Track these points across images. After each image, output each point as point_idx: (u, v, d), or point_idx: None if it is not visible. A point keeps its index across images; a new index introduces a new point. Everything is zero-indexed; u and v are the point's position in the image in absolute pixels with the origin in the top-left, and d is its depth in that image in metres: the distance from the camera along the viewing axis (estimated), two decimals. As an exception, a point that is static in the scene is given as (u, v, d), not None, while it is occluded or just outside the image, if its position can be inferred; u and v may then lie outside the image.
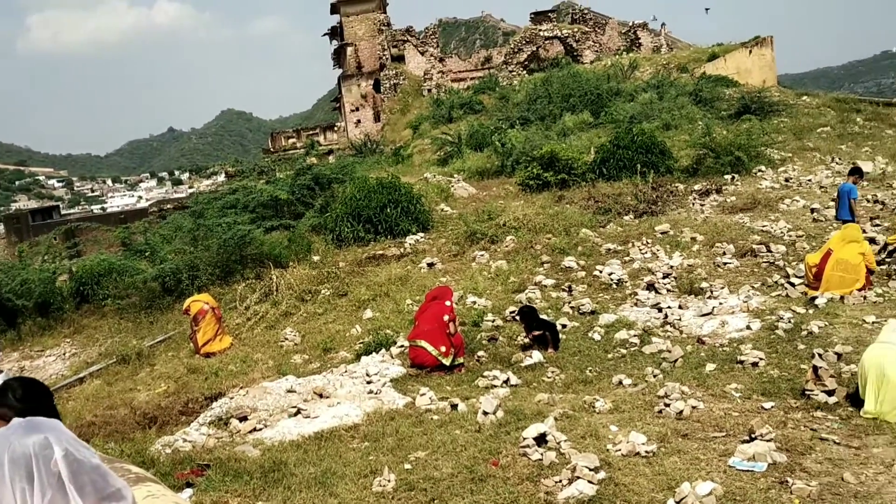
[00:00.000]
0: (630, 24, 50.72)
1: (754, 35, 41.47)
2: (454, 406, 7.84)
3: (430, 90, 46.74)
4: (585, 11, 53.38)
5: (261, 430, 7.91)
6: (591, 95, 31.25)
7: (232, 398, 8.95)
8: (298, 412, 8.20)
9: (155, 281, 15.96)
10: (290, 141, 57.29)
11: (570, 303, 11.74)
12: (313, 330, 12.67)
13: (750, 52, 39.89)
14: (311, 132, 59.11)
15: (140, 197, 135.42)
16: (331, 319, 13.01)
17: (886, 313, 9.37)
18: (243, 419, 8.17)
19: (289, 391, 8.95)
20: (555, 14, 59.10)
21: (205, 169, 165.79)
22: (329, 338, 12.00)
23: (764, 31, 41.82)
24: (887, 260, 11.52)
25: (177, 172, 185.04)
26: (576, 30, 48.65)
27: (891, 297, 10.18)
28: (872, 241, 12.20)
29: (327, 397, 8.71)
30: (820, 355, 7.81)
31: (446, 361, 9.59)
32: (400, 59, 51.74)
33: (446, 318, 9.65)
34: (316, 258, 15.83)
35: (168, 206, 37.41)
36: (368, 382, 9.11)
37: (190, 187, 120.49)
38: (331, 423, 7.81)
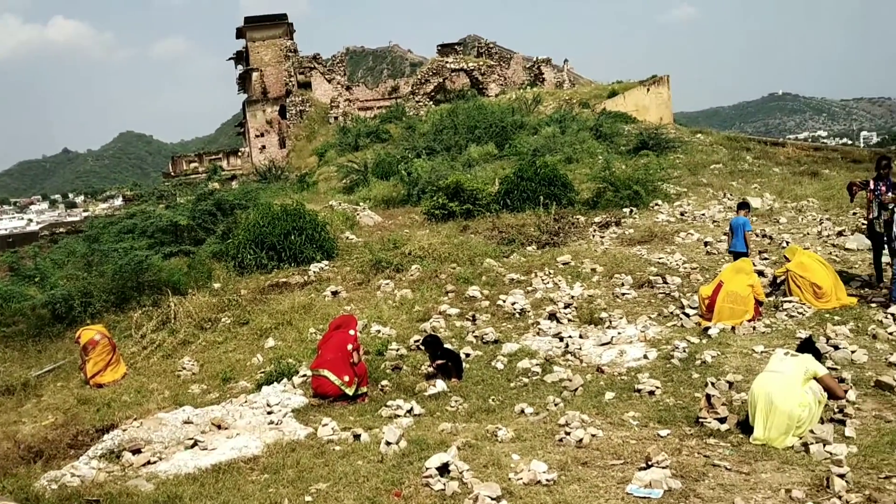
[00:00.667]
0: (534, 59, 51.93)
1: (652, 74, 43.10)
2: (357, 436, 7.76)
3: (336, 118, 46.61)
4: (491, 45, 54.38)
5: (155, 463, 7.63)
6: (496, 128, 31.77)
7: (125, 430, 8.61)
8: (195, 444, 7.96)
9: (45, 307, 15.24)
10: (192, 165, 56.06)
11: (473, 332, 11.82)
12: (212, 359, 12.35)
13: (648, 90, 41.38)
14: (214, 157, 58.02)
15: (30, 220, 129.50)
16: (231, 348, 12.71)
17: (774, 343, 9.79)
18: (136, 452, 7.86)
19: (185, 422, 8.68)
20: (461, 47, 60.09)
21: (101, 192, 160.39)
22: (229, 367, 11.72)
23: (661, 71, 43.45)
24: (775, 292, 12.04)
25: (71, 195, 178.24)
26: (481, 63, 49.47)
27: (778, 327, 10.64)
28: (761, 273, 12.75)
29: (226, 428, 8.49)
30: (713, 384, 8.10)
31: (349, 391, 9.50)
32: (307, 85, 51.47)
33: (350, 347, 9.57)
34: (217, 285, 15.47)
35: (60, 229, 36.04)
36: (269, 413, 8.93)
37: (85, 211, 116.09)
38: (229, 456, 7.61)
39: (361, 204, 22.84)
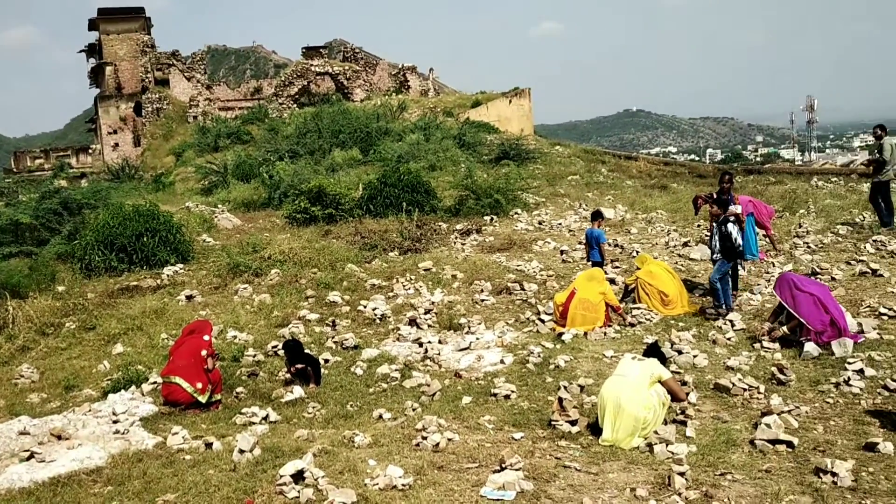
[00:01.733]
0: (400, 66, 52.14)
1: (514, 86, 44.16)
2: (209, 445, 7.52)
3: (195, 117, 45.20)
4: (357, 51, 54.30)
5: (-15, 477, 7.11)
6: (361, 133, 31.71)
7: (-49, 443, 7.99)
8: (32, 456, 7.46)
9: None
10: (38, 162, 52.81)
11: (333, 337, 11.72)
12: (54, 366, 11.64)
13: (510, 101, 42.39)
14: (62, 153, 54.80)
15: None
16: (75, 355, 12.03)
17: (623, 348, 10.21)
18: (-36, 466, 7.31)
19: (21, 433, 8.13)
20: (327, 50, 59.55)
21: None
22: (72, 374, 11.09)
23: (523, 84, 44.58)
24: (625, 299, 12.56)
25: None
26: (347, 68, 49.26)
27: (627, 333, 11.10)
28: (613, 281, 13.29)
29: (67, 439, 8.01)
30: (565, 388, 8.34)
31: (202, 398, 9.19)
32: (164, 83, 49.68)
33: (204, 353, 9.28)
34: (61, 288, 14.60)
35: None
36: (115, 422, 8.51)
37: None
38: (69, 468, 7.19)
39: (220, 206, 22.22)
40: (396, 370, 10.11)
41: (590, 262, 13.72)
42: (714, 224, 11.86)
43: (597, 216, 14.22)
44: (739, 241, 11.67)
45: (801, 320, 9.59)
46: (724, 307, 11.49)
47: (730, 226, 11.59)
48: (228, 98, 54.22)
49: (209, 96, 48.83)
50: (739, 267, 12.87)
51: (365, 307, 12.99)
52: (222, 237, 18.52)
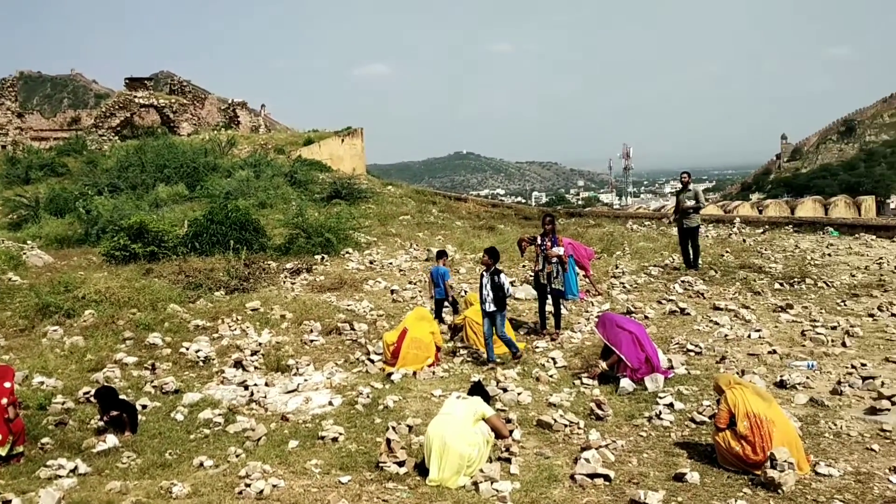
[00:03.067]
0: (230, 101, 51.12)
1: (347, 125, 44.34)
2: (7, 502, 6.90)
3: (4, 146, 42.20)
4: (185, 84, 52.65)
5: None
6: (188, 168, 30.75)
7: None
8: None
9: None
10: None
11: (152, 381, 11.12)
12: None
13: (343, 140, 42.50)
14: None
15: None
16: None
17: (451, 387, 10.32)
18: None
19: None
20: (152, 82, 57.41)
21: None
22: None
23: (356, 123, 44.87)
24: (454, 338, 12.75)
25: None
26: (174, 101, 47.69)
27: (455, 372, 11.24)
28: (442, 320, 13.47)
29: None
30: (394, 428, 8.31)
31: (2, 451, 8.44)
32: (-31, 109, 46.11)
33: (4, 401, 8.54)
34: None
35: None
36: None
37: None
38: None
39: (30, 242, 20.79)
40: (220, 415, 9.72)
41: (434, 300, 13.89)
42: (485, 274, 11.46)
43: (441, 255, 14.57)
44: (511, 290, 11.62)
45: (622, 357, 10.07)
46: (518, 354, 11.52)
47: (502, 276, 11.35)
48: (43, 128, 51.01)
49: (21, 125, 45.76)
50: (562, 306, 13.40)
51: (187, 349, 12.45)
52: (31, 275, 17.29)
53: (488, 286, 11.30)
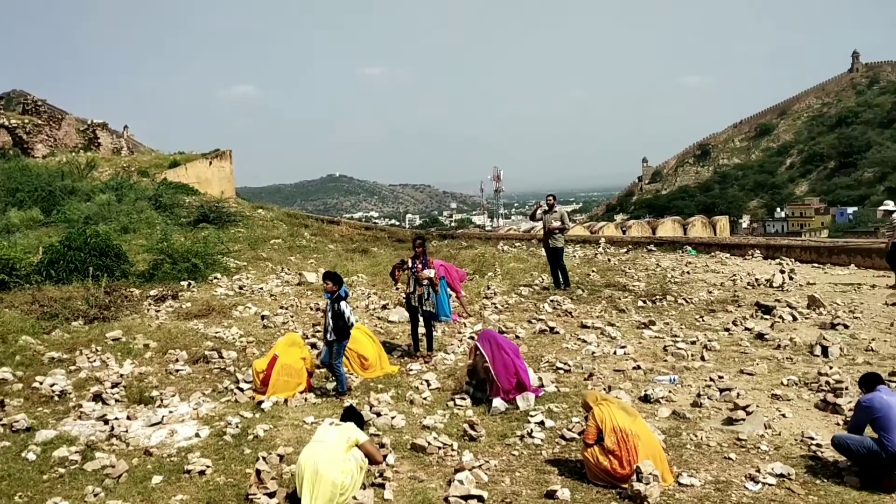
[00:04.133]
0: (89, 122, 48.98)
1: (215, 148, 43.31)
2: None
3: None
4: (40, 103, 50.04)
5: None
6: (43, 192, 29.21)
7: None
8: None
9: None
10: None
11: (1, 420, 10.39)
12: None
13: (210, 163, 41.46)
14: None
15: None
16: None
17: (324, 413, 10.15)
18: None
19: None
20: (3, 101, 54.33)
21: None
22: None
23: (225, 145, 43.97)
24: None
25: None
26: (27, 121, 45.25)
27: (329, 398, 11.06)
28: (314, 346, 13.26)
29: None
30: (264, 458, 8.08)
31: None
32: None
33: None
34: None
35: None
36: None
37: None
38: None
39: None
40: (77, 452, 9.17)
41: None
42: (328, 301, 11.03)
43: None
44: (353, 319, 11.06)
45: (496, 379, 10.15)
46: (344, 391, 11.09)
47: (342, 304, 10.87)
48: None
49: None
50: (434, 328, 13.45)
51: (41, 383, 11.70)
52: None
53: (329, 314, 10.86)
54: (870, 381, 7.98)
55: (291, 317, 16.10)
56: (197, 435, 9.66)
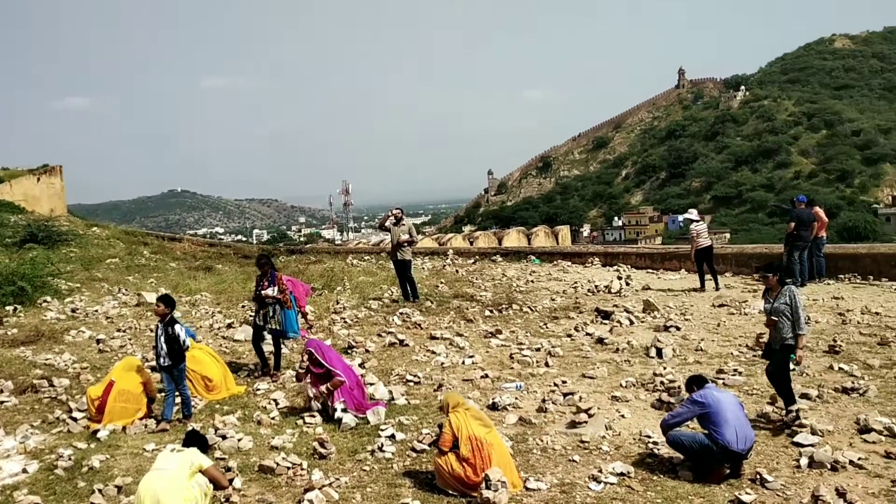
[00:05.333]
0: None
1: (44, 163, 40.86)
2: None
3: None
4: None
5: None
6: None
7: None
8: None
9: None
10: None
11: None
12: None
13: (38, 179, 39.11)
14: None
15: None
16: None
17: (166, 439, 9.69)
18: None
19: None
20: None
21: None
22: None
23: (55, 160, 41.49)
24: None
25: None
26: None
27: (171, 424, 10.58)
28: (154, 369, 12.64)
29: None
30: (100, 491, 7.65)
31: None
32: None
33: None
34: None
35: None
36: None
37: None
38: None
39: None
40: None
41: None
42: (160, 325, 10.51)
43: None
44: (187, 342, 10.60)
45: (341, 376, 10.15)
46: (190, 414, 10.69)
47: (177, 327, 10.43)
48: None
49: None
50: (282, 345, 13.18)
51: None
52: None
53: (162, 338, 10.37)
54: (698, 382, 8.47)
55: (130, 339, 15.33)
56: (24, 471, 8.97)
